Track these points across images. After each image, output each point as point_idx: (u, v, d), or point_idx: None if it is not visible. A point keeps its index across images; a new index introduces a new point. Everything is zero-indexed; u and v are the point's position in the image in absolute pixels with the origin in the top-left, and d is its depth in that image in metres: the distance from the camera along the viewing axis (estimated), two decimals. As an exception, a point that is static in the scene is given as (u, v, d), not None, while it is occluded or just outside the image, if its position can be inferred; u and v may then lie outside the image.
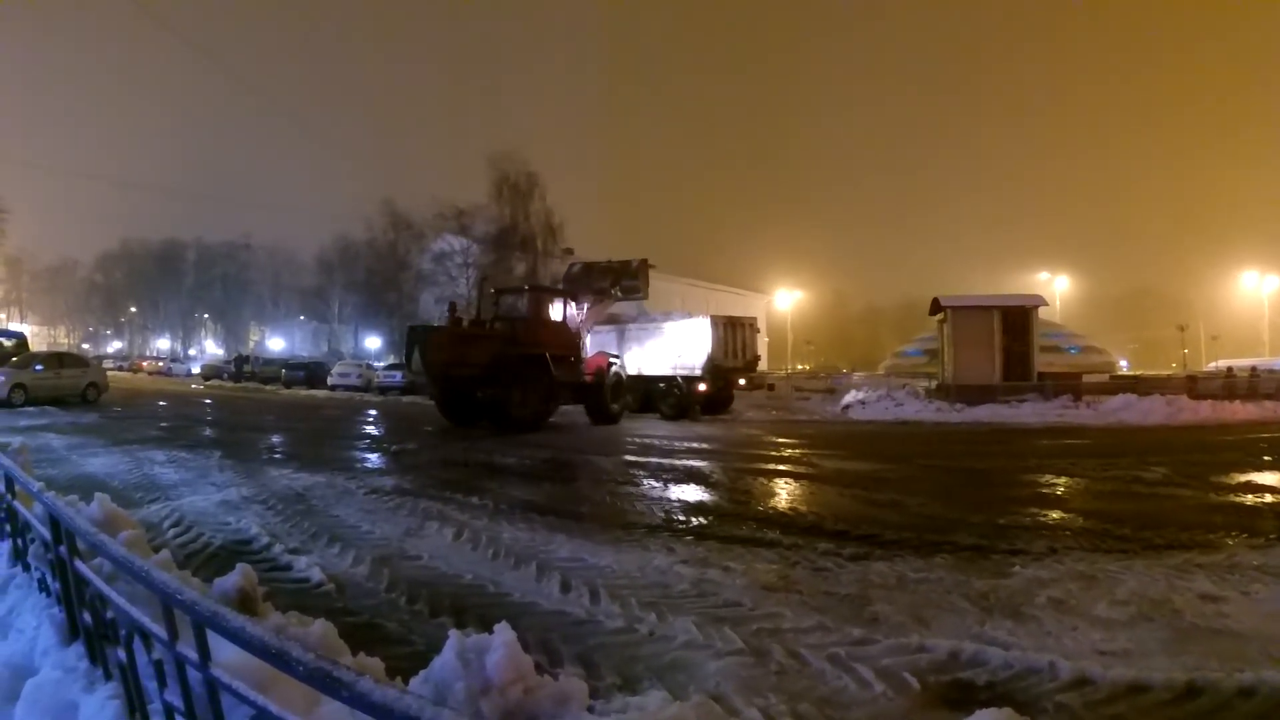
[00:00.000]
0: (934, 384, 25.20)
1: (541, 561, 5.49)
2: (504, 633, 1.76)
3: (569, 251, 47.73)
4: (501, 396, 16.43)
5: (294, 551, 5.83)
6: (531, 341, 17.51)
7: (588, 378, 18.86)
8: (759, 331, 23.92)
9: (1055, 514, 7.29)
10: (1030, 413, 19.60)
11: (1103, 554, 5.62)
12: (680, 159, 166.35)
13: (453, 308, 19.04)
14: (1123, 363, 51.04)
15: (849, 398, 25.16)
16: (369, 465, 11.24)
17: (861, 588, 4.84)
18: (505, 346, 17.13)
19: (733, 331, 22.07)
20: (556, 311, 18.80)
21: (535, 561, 5.49)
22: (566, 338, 18.78)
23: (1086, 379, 23.80)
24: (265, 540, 6.18)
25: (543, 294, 19.22)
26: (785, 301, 61.63)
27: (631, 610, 4.40)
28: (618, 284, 21.32)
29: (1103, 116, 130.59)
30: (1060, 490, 8.80)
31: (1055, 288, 57.62)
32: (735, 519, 7.10)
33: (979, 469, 10.89)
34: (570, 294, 19.96)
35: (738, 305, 36.02)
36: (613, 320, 25.16)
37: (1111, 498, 8.23)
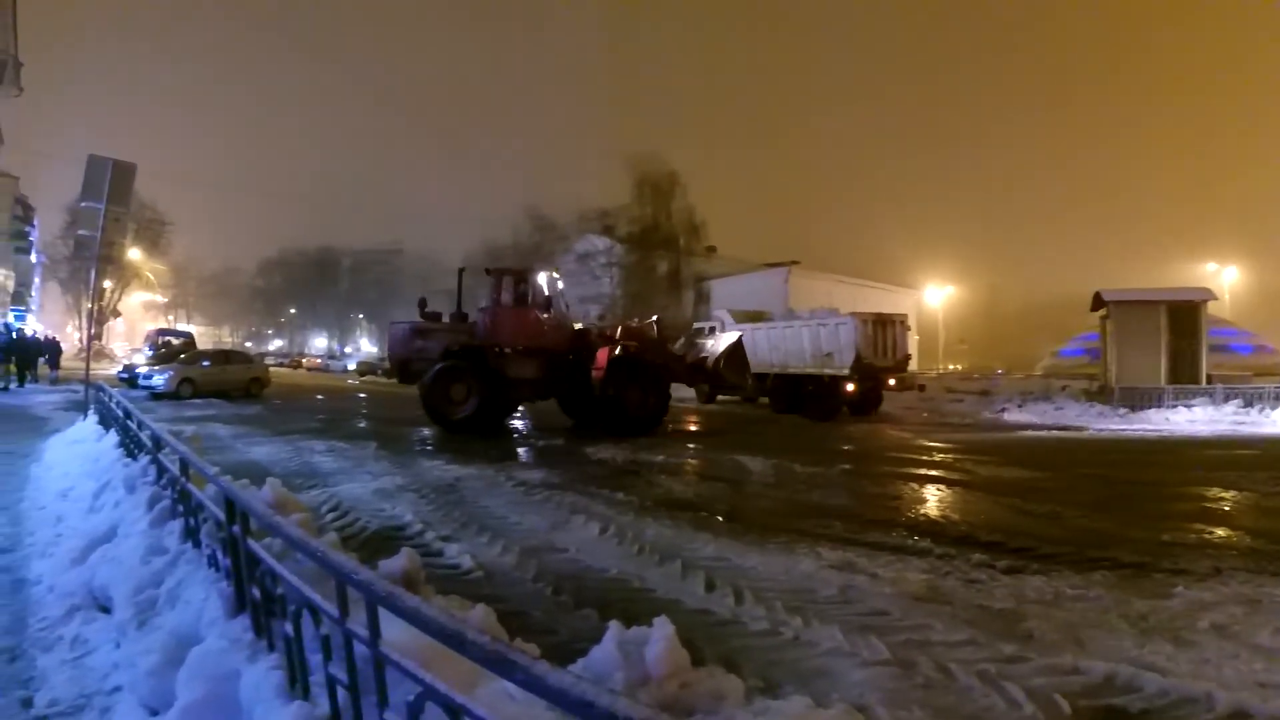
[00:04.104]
0: (1095, 386, 23.64)
1: (686, 559, 5.53)
2: (664, 626, 1.78)
3: (711, 249, 47.66)
4: (432, 394, 15.20)
5: (445, 539, 6.09)
6: (486, 333, 15.90)
7: (596, 373, 15.94)
8: (910, 329, 22.77)
9: (1222, 531, 6.81)
10: (1199, 418, 18.17)
11: (1270, 577, 5.23)
12: (828, 152, 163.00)
13: (422, 303, 17.37)
14: (1300, 364, 46.19)
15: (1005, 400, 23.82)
16: (516, 458, 11.57)
17: (1015, 602, 4.65)
18: (455, 340, 15.90)
19: (882, 329, 20.99)
20: (522, 297, 16.18)
21: (679, 559, 5.53)
22: (534, 329, 16.04)
23: (1259, 381, 21.73)
24: (418, 527, 6.50)
25: (502, 277, 16.67)
26: (936, 298, 58.93)
27: (776, 613, 4.38)
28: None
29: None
30: (1228, 506, 8.20)
31: (1224, 280, 52.32)
32: (884, 525, 6.93)
33: (1142, 480, 10.21)
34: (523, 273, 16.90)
35: (886, 302, 34.66)
36: (758, 319, 24.75)
37: (1284, 516, 7.59)
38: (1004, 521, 7.18)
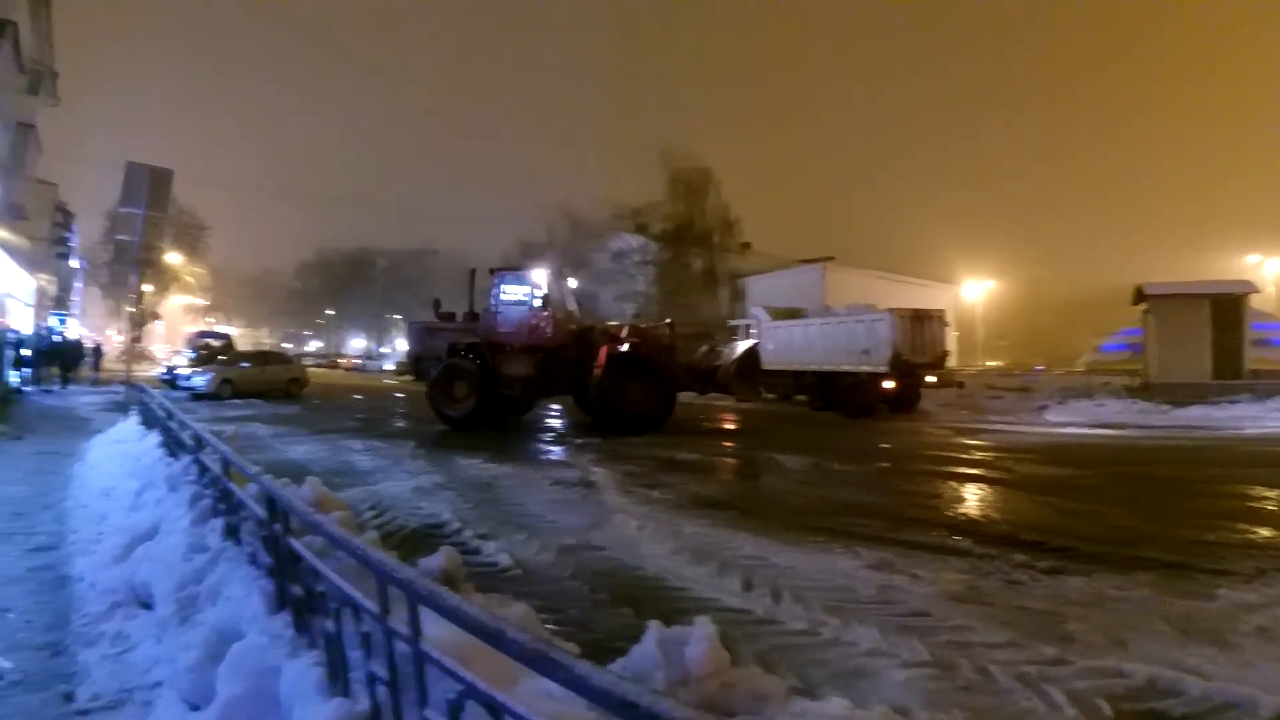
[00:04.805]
0: (1137, 382, 23.15)
1: (723, 558, 5.51)
2: (704, 626, 1.77)
3: (746, 246, 47.41)
4: (435, 391, 15.94)
5: (482, 537, 6.12)
6: (485, 332, 16.23)
7: (596, 370, 15.58)
8: (948, 325, 22.39)
9: (1265, 531, 6.62)
10: (1244, 415, 17.58)
11: (1315, 578, 5.09)
12: (863, 147, 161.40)
13: (436, 304, 18.13)
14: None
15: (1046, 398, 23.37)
16: (552, 457, 11.62)
17: (1056, 604, 4.58)
18: (460, 338, 16.44)
19: (919, 325, 20.69)
20: (520, 295, 16.28)
21: (716, 558, 5.51)
22: (530, 327, 16.08)
23: None
24: (456, 525, 6.55)
25: (502, 275, 16.87)
26: (975, 292, 57.70)
27: (814, 613, 4.35)
28: None
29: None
30: (1272, 505, 7.96)
31: (1265, 272, 50.61)
32: (923, 524, 6.84)
33: (1184, 478, 9.98)
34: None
35: (924, 297, 33.90)
36: (793, 316, 24.55)
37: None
38: (1044, 521, 7.07)
